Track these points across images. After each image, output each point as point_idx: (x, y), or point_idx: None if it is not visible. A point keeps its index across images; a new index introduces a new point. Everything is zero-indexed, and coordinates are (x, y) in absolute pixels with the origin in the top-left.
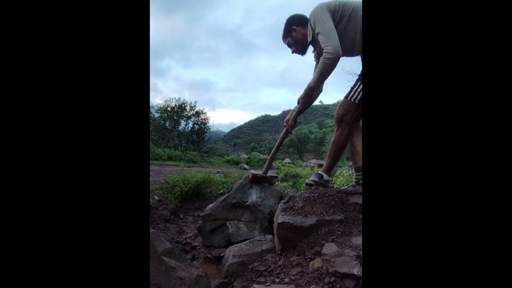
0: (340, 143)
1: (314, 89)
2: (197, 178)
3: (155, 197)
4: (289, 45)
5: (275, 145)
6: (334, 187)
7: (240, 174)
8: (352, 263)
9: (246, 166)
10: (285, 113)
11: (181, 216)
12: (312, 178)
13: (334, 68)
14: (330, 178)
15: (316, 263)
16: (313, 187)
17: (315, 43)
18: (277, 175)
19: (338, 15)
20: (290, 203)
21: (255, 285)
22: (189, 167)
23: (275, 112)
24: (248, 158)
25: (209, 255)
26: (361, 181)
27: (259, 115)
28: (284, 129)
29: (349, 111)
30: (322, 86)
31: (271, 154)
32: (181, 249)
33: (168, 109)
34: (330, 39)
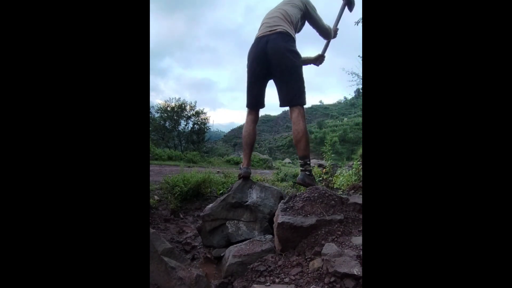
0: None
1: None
2: (197, 178)
3: (155, 197)
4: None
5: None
6: (334, 187)
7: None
8: (352, 263)
9: None
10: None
11: (181, 216)
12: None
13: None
14: (248, 170)
15: (316, 263)
16: (313, 187)
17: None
18: None
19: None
20: (290, 203)
21: (255, 285)
22: (189, 167)
23: (275, 112)
24: None
25: (209, 255)
26: (307, 172)
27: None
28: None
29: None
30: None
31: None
32: (181, 249)
33: (168, 109)
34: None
